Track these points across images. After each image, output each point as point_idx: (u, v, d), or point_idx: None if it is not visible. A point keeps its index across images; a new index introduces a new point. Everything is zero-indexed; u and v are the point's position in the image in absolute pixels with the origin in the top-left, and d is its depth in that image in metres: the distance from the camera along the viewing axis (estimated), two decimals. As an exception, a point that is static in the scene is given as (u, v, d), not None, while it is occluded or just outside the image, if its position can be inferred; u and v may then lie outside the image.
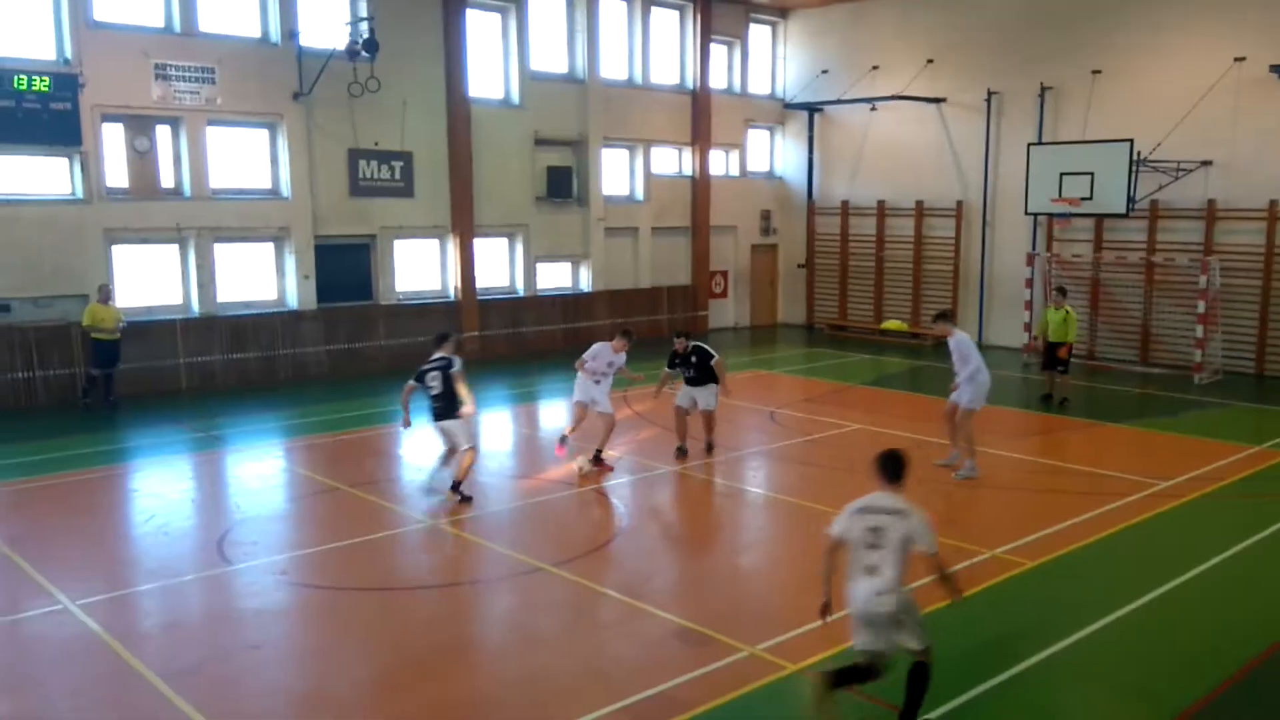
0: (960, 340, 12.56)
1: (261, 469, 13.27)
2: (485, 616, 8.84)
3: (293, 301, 19.79)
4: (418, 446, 14.93)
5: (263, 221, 19.27)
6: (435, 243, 21.89)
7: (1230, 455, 13.75)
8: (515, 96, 22.91)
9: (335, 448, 14.40)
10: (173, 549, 10.13)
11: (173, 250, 18.47)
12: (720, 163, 27.40)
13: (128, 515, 11.67)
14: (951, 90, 24.52)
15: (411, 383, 11.73)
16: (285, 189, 19.48)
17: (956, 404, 12.56)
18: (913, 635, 6.23)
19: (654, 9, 25.61)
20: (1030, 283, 22.31)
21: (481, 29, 22.28)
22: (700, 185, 26.49)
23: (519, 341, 23.11)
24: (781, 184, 28.76)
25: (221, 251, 18.92)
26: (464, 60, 21.40)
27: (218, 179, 18.76)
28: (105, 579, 9.34)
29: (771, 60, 28.31)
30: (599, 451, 12.86)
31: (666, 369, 13.64)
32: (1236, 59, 19.90)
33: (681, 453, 13.44)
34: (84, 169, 17.17)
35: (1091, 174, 20.23)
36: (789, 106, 27.98)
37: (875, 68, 25.81)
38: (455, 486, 11.56)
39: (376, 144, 20.45)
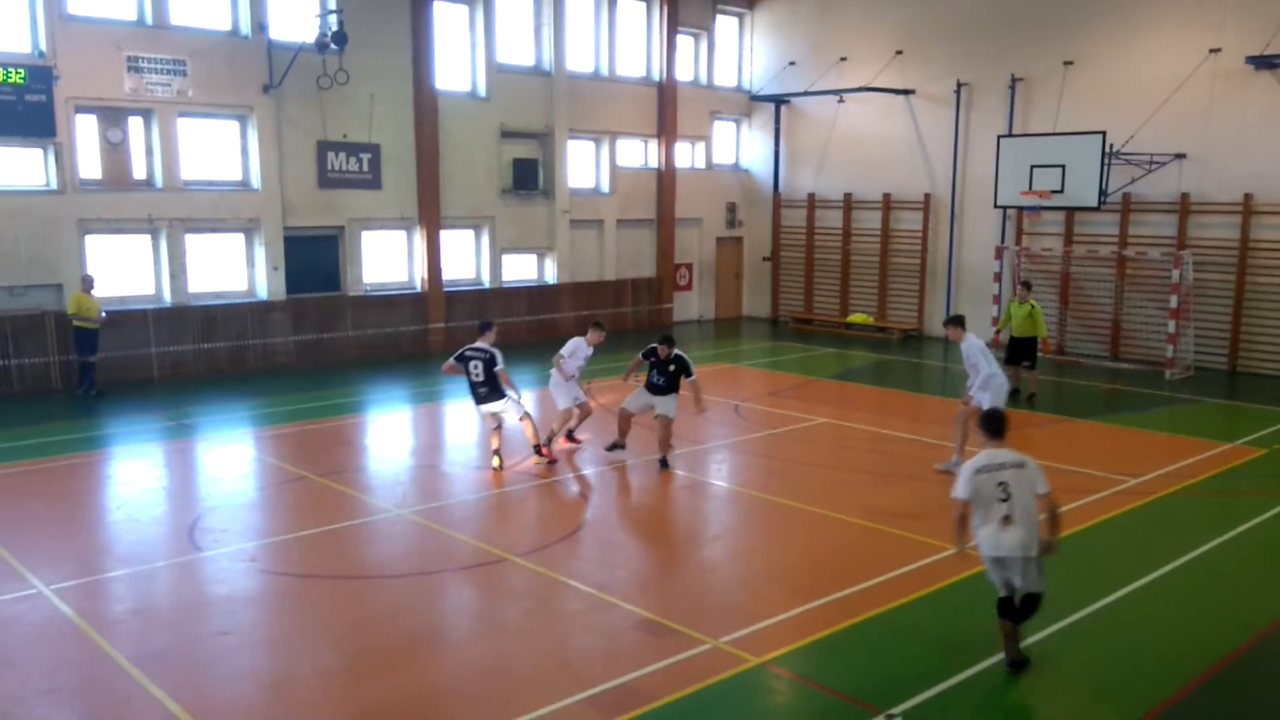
0: (970, 346, 12.22)
1: (232, 457, 13.58)
2: (451, 606, 8.95)
3: (262, 292, 20.05)
4: (383, 437, 15.29)
5: (233, 213, 19.51)
6: (403, 234, 22.15)
7: (1201, 452, 13.73)
8: (482, 89, 23.13)
9: (303, 437, 14.69)
10: (145, 535, 10.39)
11: (145, 241, 18.74)
12: (686, 155, 27.54)
13: (100, 502, 11.92)
14: (920, 82, 24.49)
15: (452, 362, 12.47)
16: (255, 181, 19.71)
17: (975, 408, 11.63)
18: (1040, 575, 7.28)
19: (620, 0, 25.78)
20: (999, 277, 22.09)
21: (448, 21, 22.49)
22: (666, 177, 26.66)
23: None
24: (747, 176, 28.92)
25: (193, 242, 19.17)
26: (431, 53, 21.61)
27: (189, 170, 19.00)
28: (78, 564, 9.51)
29: (738, 52, 28.42)
30: (551, 437, 13.18)
31: (641, 357, 13.10)
32: (1211, 50, 19.75)
33: (617, 448, 13.16)
34: (58, 160, 17.39)
35: (1063, 166, 19.79)
36: (755, 98, 28.02)
37: (843, 59, 25.87)
38: (538, 449, 12.64)
39: (345, 136, 20.69)
